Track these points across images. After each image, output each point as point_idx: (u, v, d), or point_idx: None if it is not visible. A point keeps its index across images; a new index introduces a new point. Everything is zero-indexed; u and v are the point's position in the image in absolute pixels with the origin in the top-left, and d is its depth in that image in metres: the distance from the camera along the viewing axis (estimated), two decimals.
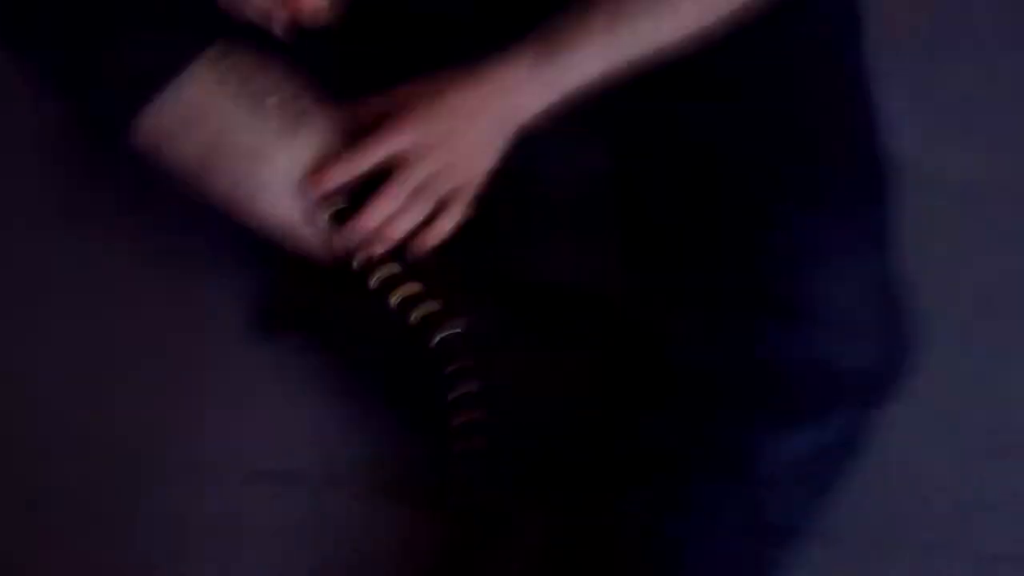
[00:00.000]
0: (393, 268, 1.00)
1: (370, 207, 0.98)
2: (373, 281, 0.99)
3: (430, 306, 1.00)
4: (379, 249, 0.99)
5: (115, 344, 1.13)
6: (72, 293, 1.14)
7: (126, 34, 0.97)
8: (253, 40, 0.99)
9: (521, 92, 1.00)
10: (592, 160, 1.18)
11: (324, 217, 0.99)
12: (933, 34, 1.28)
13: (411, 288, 0.99)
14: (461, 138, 1.00)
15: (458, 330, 1.00)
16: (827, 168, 0.99)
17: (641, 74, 1.00)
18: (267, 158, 0.99)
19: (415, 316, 0.99)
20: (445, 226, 1.00)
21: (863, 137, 1.03)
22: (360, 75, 1.09)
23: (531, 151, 1.02)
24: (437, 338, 0.99)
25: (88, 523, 1.05)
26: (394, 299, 0.99)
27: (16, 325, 1.13)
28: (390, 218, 0.99)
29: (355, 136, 1.01)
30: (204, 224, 1.07)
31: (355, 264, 0.99)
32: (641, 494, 0.96)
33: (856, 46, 1.07)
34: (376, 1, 1.03)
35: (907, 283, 0.98)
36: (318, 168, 0.99)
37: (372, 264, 0.99)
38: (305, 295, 1.03)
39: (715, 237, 0.99)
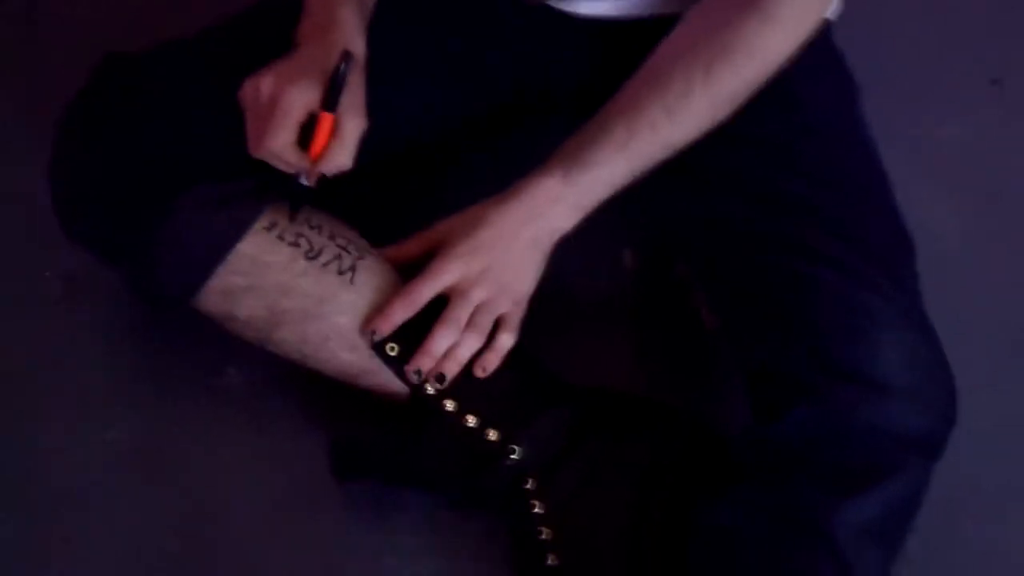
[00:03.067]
0: (451, 404, 1.06)
1: (432, 339, 1.05)
2: (447, 409, 1.06)
3: (491, 435, 1.06)
4: (448, 375, 1.05)
5: None
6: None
7: (180, 207, 1.03)
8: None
9: (553, 212, 1.06)
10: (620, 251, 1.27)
11: (389, 356, 1.05)
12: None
13: (471, 420, 1.06)
14: (504, 264, 1.06)
15: (521, 453, 1.05)
16: (860, 235, 1.04)
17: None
18: (330, 308, 1.05)
19: (490, 437, 1.06)
20: (502, 349, 1.07)
21: (886, 203, 1.09)
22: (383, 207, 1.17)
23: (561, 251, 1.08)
24: (503, 464, 1.05)
25: None
26: (469, 425, 1.06)
27: None
28: (452, 348, 1.05)
29: (405, 275, 1.08)
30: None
31: (428, 391, 1.05)
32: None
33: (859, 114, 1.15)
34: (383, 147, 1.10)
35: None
36: (378, 312, 1.05)
37: (440, 396, 1.06)
38: (376, 437, 1.09)
39: (775, 315, 1.03)
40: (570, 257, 1.09)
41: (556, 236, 1.08)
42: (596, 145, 1.05)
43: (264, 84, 0.99)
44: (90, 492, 1.13)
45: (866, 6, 1.20)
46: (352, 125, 1.01)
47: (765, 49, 1.03)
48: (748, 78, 1.03)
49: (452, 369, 1.06)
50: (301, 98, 0.98)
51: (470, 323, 1.06)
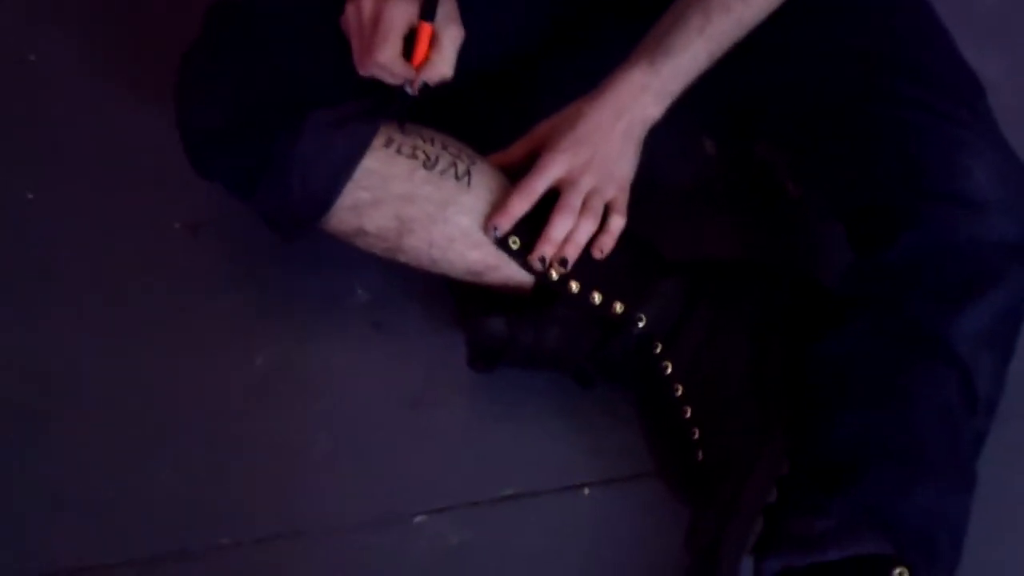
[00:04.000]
0: (576, 285, 1.14)
1: (551, 226, 1.13)
2: (572, 290, 1.14)
3: (617, 307, 1.14)
4: (569, 258, 1.14)
5: None
6: None
7: (303, 131, 1.12)
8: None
9: (641, 101, 1.15)
10: (699, 141, 1.36)
11: (513, 247, 1.14)
12: None
13: (596, 297, 1.15)
14: (605, 153, 1.15)
15: (645, 321, 1.14)
16: (934, 78, 1.13)
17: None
18: (453, 211, 1.14)
19: (616, 310, 1.14)
20: (615, 230, 1.15)
21: (951, 49, 1.17)
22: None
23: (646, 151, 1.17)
24: (640, 324, 1.14)
25: None
26: (594, 301, 1.14)
27: None
28: (570, 233, 1.14)
29: (516, 176, 1.16)
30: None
31: (552, 278, 1.14)
32: (853, 404, 1.08)
33: None
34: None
35: None
36: (497, 208, 1.14)
37: (564, 280, 1.14)
38: (508, 324, 1.16)
39: (866, 156, 1.12)
40: (654, 149, 1.17)
41: (647, 124, 1.16)
42: (675, 33, 1.14)
43: (365, 4, 1.08)
44: (246, 413, 1.21)
45: None
46: (450, 34, 1.10)
47: None
48: None
49: (573, 252, 1.14)
50: (401, 12, 1.07)
51: (583, 209, 1.14)
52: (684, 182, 1.32)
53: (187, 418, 1.21)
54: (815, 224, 1.28)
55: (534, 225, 1.14)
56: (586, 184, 1.14)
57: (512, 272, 1.16)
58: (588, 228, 1.15)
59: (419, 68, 1.10)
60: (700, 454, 1.10)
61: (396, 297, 1.26)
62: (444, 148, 1.16)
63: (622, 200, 1.16)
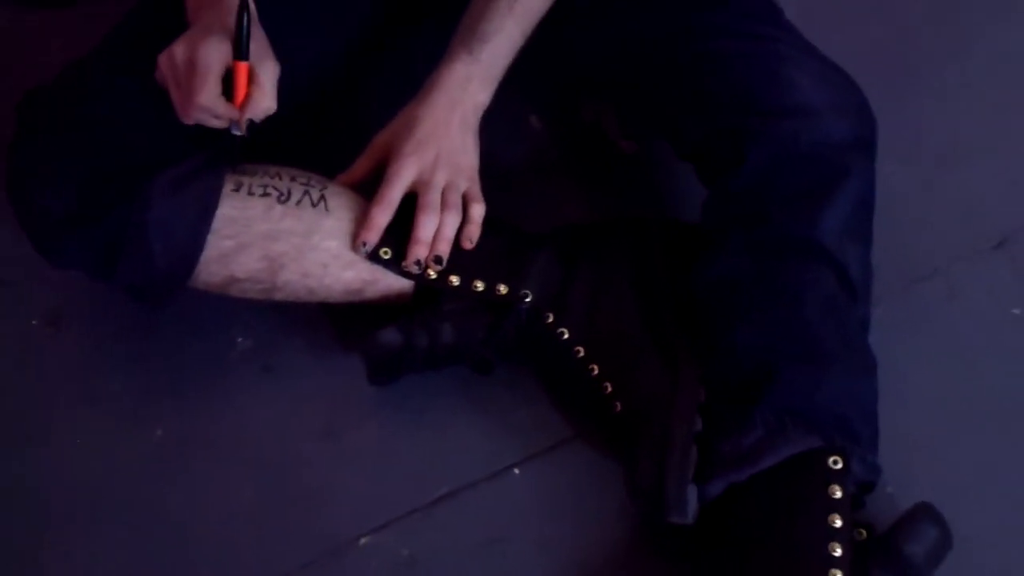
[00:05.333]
0: (456, 279, 1.17)
1: (418, 228, 1.16)
2: (454, 282, 1.16)
3: (501, 289, 1.18)
4: (443, 253, 1.16)
5: None
6: None
7: (150, 196, 1.10)
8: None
9: (469, 91, 1.18)
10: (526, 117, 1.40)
11: (386, 257, 1.15)
12: None
13: (479, 285, 1.18)
14: (449, 148, 1.18)
15: (530, 296, 1.18)
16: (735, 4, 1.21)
17: None
18: (318, 238, 1.15)
19: (493, 305, 1.18)
20: (478, 218, 1.18)
21: None
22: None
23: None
24: (521, 308, 1.17)
25: None
26: (479, 289, 1.17)
27: None
28: (437, 231, 1.16)
29: (368, 192, 1.18)
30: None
31: (431, 277, 1.16)
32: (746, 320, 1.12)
33: None
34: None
35: None
36: (361, 224, 1.15)
37: (442, 280, 1.17)
38: (400, 332, 1.17)
39: (697, 92, 1.18)
40: (486, 135, 1.21)
41: (479, 111, 1.20)
42: (486, 19, 1.18)
43: (177, 51, 1.07)
44: (160, 483, 1.19)
45: None
46: (266, 69, 1.10)
47: None
48: None
49: (444, 248, 1.16)
50: (215, 52, 1.07)
51: (443, 204, 1.17)
52: (521, 160, 1.36)
53: (98, 500, 1.18)
54: (658, 171, 1.34)
55: (400, 232, 1.16)
56: (439, 181, 1.17)
57: (391, 282, 1.17)
58: (452, 222, 1.17)
59: (242, 106, 1.10)
60: (617, 405, 1.14)
61: (278, 336, 1.26)
62: (293, 180, 1.17)
63: (476, 188, 1.19)
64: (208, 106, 1.08)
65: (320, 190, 1.17)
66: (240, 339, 1.26)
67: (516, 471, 1.18)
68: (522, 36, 1.19)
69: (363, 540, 1.15)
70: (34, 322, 1.28)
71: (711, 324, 1.14)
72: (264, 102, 1.10)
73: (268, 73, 1.10)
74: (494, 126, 1.22)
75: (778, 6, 1.23)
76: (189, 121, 1.09)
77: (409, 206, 1.17)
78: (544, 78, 1.33)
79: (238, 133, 1.11)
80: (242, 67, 1.09)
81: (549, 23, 1.20)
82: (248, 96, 1.09)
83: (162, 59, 1.09)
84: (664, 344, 1.15)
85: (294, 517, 1.16)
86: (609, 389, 1.14)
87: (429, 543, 1.15)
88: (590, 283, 1.19)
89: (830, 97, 1.15)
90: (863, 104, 1.18)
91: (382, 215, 1.15)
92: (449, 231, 1.17)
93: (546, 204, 1.32)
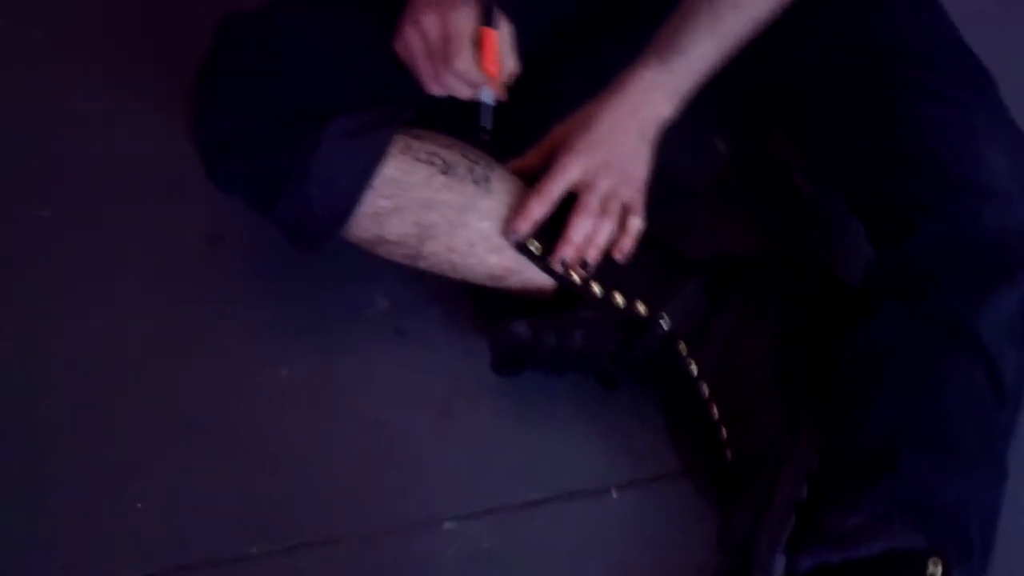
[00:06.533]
0: (598, 288, 1.15)
1: (571, 229, 1.14)
2: (597, 291, 1.14)
3: (640, 308, 1.15)
4: (591, 260, 1.14)
5: None
6: None
7: (321, 141, 1.12)
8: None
9: (653, 101, 1.16)
10: (712, 141, 1.36)
11: (534, 250, 1.14)
12: None
13: (619, 299, 1.15)
14: (620, 155, 1.16)
15: (670, 321, 1.14)
16: (947, 67, 1.14)
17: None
18: (472, 216, 1.14)
19: (629, 322, 1.15)
20: (634, 231, 1.16)
21: (961, 43, 1.18)
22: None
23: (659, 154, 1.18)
24: (656, 332, 1.14)
25: None
26: (617, 303, 1.15)
27: None
28: (589, 235, 1.14)
29: (533, 182, 1.17)
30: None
31: (574, 280, 1.14)
32: (881, 397, 1.07)
33: None
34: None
35: None
36: (516, 212, 1.14)
37: (584, 285, 1.15)
38: (532, 328, 1.16)
39: (884, 148, 1.12)
40: (668, 150, 1.17)
41: (660, 124, 1.17)
42: (685, 31, 1.14)
43: (427, 23, 1.11)
44: (274, 423, 1.21)
45: None
46: (503, 31, 1.12)
47: None
48: None
49: (594, 254, 1.14)
50: (467, 20, 1.10)
51: (602, 211, 1.14)
52: (698, 182, 1.33)
53: (214, 429, 1.21)
54: (829, 219, 1.29)
55: (553, 228, 1.15)
56: (603, 185, 1.15)
57: (533, 276, 1.16)
58: (607, 230, 1.15)
59: (496, 69, 1.12)
60: (729, 453, 1.10)
61: (417, 304, 1.27)
62: (462, 154, 1.17)
63: (639, 201, 1.17)
64: (465, 71, 1.11)
65: (486, 170, 1.16)
66: (379, 299, 1.27)
67: (614, 494, 1.16)
68: (719, 56, 1.15)
69: (448, 524, 1.15)
70: (195, 240, 1.32)
71: (846, 391, 1.09)
72: (510, 63, 1.13)
73: (506, 35, 1.13)
74: (678, 141, 1.18)
75: (987, 72, 1.16)
76: (441, 90, 1.13)
77: (570, 205, 1.15)
78: (739, 104, 1.29)
79: (490, 102, 1.14)
80: (490, 34, 1.11)
81: (750, 49, 1.16)
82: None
83: (409, 30, 1.12)
84: (791, 400, 1.10)
85: (389, 483, 1.17)
86: (725, 434, 1.11)
87: (511, 543, 1.14)
88: (733, 322, 1.15)
89: (1021, 180, 1.08)
90: None
91: (538, 207, 1.14)
92: (602, 238, 1.15)
93: (711, 231, 1.29)
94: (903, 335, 1.07)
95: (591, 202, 1.15)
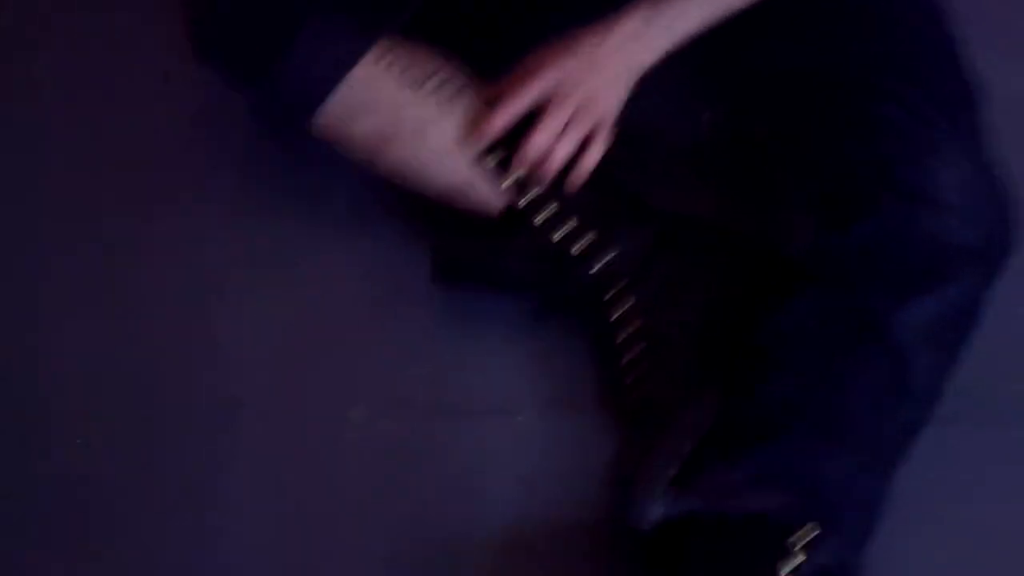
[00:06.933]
0: (553, 207, 1.17)
1: (531, 138, 1.15)
2: (537, 220, 1.16)
3: (588, 238, 1.16)
4: (546, 175, 1.15)
5: None
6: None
7: (303, 32, 1.13)
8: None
9: (638, 43, 1.16)
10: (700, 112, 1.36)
11: (490, 164, 1.16)
12: None
13: (570, 223, 1.16)
14: (596, 83, 1.16)
15: (613, 255, 1.16)
16: (925, 80, 1.13)
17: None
18: (433, 128, 1.16)
19: (576, 248, 1.16)
20: (595, 154, 1.16)
21: (954, 58, 1.18)
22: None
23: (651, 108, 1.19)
24: (597, 266, 1.16)
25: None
26: (557, 235, 1.16)
27: None
28: (549, 149, 1.15)
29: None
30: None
31: (521, 203, 1.16)
32: (787, 373, 1.10)
33: None
34: None
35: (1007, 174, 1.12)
36: (479, 122, 1.16)
37: (536, 204, 1.16)
38: (475, 247, 1.19)
39: (843, 143, 1.13)
40: (656, 108, 1.20)
41: (641, 64, 1.16)
42: None
43: None
44: (224, 288, 1.27)
45: None
46: None
47: None
48: None
49: (550, 169, 1.15)
50: None
51: (566, 128, 1.15)
52: (676, 143, 1.33)
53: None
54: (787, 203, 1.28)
55: (513, 145, 1.16)
56: (572, 103, 1.15)
57: (489, 193, 1.18)
58: (566, 149, 1.15)
59: None
60: (637, 392, 1.13)
61: (378, 206, 1.29)
62: (436, 70, 1.18)
63: (606, 126, 1.17)
64: None
65: (457, 88, 1.18)
66: (339, 195, 1.31)
67: (520, 417, 1.19)
68: (710, 17, 1.16)
69: (352, 412, 1.19)
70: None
71: (752, 363, 1.10)
72: None
73: None
74: (667, 103, 1.21)
75: (974, 98, 1.16)
76: None
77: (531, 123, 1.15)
78: (728, 81, 1.30)
79: None
80: None
81: (744, 28, 1.17)
82: None
83: None
84: (704, 362, 1.12)
85: (309, 366, 1.22)
86: (635, 376, 1.13)
87: (416, 441, 1.18)
88: (664, 278, 1.17)
89: (969, 203, 1.08)
90: (1003, 226, 1.10)
91: (502, 118, 1.15)
92: (561, 154, 1.15)
93: (676, 187, 1.27)
94: (817, 323, 1.08)
95: (557, 115, 1.15)
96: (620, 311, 1.16)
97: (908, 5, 1.20)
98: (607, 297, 1.17)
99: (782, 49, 1.20)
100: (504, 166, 1.16)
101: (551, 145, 1.15)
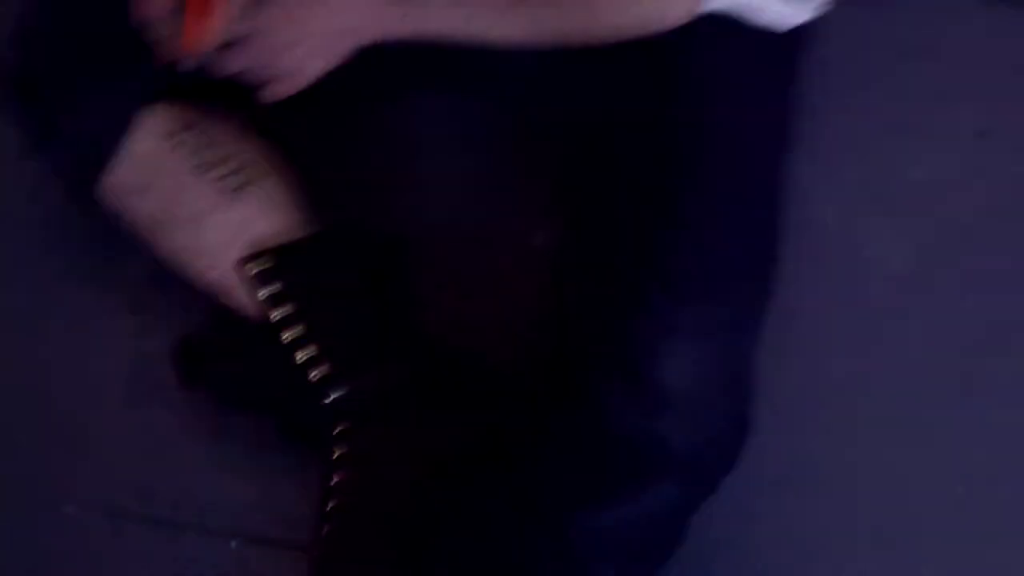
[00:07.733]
0: (300, 330, 1.10)
1: (208, 20, 1.00)
2: (286, 337, 1.10)
3: (323, 368, 1.10)
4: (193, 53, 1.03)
5: None
6: None
7: (85, 96, 1.09)
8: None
9: (372, 19, 1.05)
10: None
11: (252, 271, 1.10)
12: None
13: (310, 349, 1.10)
14: (307, 31, 1.05)
15: (341, 393, 1.10)
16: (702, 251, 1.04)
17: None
18: (208, 220, 1.10)
19: (314, 375, 1.10)
20: (276, 90, 1.06)
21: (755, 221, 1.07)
22: None
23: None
24: (329, 398, 1.10)
25: None
26: (300, 357, 1.10)
27: None
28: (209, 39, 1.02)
29: None
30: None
31: (274, 316, 1.11)
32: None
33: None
34: None
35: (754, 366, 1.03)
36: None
37: (287, 321, 1.10)
38: (221, 348, 1.16)
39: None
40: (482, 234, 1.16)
41: (363, 38, 1.06)
42: None
43: None
44: None
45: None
46: None
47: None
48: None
49: (187, 52, 1.02)
50: None
51: (260, 48, 1.04)
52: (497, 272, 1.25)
53: None
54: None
55: (280, 259, 1.11)
56: (275, 34, 1.04)
57: (243, 301, 1.12)
58: (247, 57, 1.04)
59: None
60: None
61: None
62: (229, 156, 1.12)
63: (296, 78, 1.06)
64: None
65: (244, 179, 1.12)
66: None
67: (234, 545, 1.15)
68: (457, 30, 1.04)
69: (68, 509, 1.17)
70: None
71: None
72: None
73: None
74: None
75: (766, 284, 1.05)
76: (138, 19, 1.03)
77: None
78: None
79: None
80: None
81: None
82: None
83: None
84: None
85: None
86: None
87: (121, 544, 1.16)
88: (395, 435, 1.11)
89: (693, 396, 0.99)
90: (735, 447, 1.02)
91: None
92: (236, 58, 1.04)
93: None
94: (498, 511, 1.03)
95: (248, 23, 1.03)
96: (337, 453, 1.10)
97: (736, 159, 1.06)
98: (334, 433, 1.10)
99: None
100: (264, 277, 1.11)
101: (214, 38, 1.02)
